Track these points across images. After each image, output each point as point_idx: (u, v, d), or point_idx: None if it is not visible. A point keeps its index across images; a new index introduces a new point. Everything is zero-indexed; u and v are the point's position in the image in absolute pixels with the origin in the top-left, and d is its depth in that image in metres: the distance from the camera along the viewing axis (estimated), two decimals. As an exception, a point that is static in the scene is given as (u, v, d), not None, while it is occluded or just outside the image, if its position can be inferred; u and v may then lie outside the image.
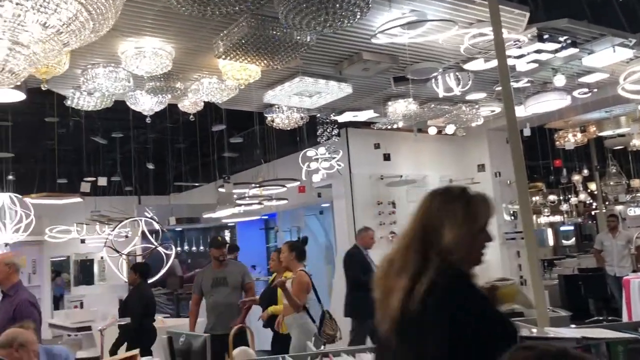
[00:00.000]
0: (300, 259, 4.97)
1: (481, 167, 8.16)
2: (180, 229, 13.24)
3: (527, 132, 6.99)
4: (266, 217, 12.47)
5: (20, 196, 8.63)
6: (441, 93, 5.64)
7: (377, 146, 7.08)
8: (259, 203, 7.96)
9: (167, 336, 3.40)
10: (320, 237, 11.51)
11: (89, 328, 8.71)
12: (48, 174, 12.71)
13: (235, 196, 10.87)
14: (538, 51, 5.02)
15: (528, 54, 5.07)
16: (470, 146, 8.40)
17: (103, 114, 11.28)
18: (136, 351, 2.50)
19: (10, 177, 12.21)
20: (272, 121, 6.51)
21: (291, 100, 5.86)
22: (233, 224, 13.45)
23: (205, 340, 3.31)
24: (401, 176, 7.35)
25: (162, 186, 15.12)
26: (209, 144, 12.05)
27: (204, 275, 5.47)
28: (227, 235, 14.75)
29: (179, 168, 13.51)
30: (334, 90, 5.56)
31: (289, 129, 6.47)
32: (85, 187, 6.35)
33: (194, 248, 14.86)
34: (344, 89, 5.58)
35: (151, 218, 7.85)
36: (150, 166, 11.92)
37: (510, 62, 5.09)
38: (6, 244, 8.59)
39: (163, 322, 7.10)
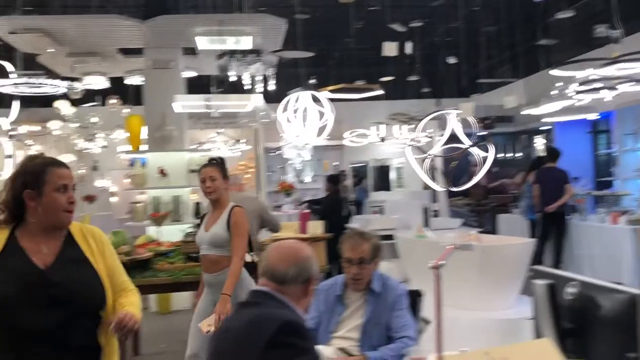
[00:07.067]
0: None
1: None
2: (484, 132, 11.54)
3: None
4: (597, 117, 9.80)
5: (318, 93, 8.02)
6: None
7: None
8: (612, 88, 5.69)
9: (547, 283, 1.86)
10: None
11: (389, 237, 7.89)
12: (346, 76, 12.29)
13: (555, 90, 8.62)
14: None
15: None
16: None
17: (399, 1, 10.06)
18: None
19: (313, 80, 12.11)
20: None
21: None
22: (549, 126, 11.15)
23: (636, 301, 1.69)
24: None
25: (460, 86, 13.57)
26: (521, 28, 9.86)
27: None
28: (540, 140, 12.52)
29: (482, 64, 11.65)
30: None
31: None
32: (389, 49, 5.07)
33: (500, 154, 13.02)
34: None
35: (458, 114, 6.35)
36: (453, 60, 10.31)
37: None
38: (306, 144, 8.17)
39: (478, 238, 5.67)
